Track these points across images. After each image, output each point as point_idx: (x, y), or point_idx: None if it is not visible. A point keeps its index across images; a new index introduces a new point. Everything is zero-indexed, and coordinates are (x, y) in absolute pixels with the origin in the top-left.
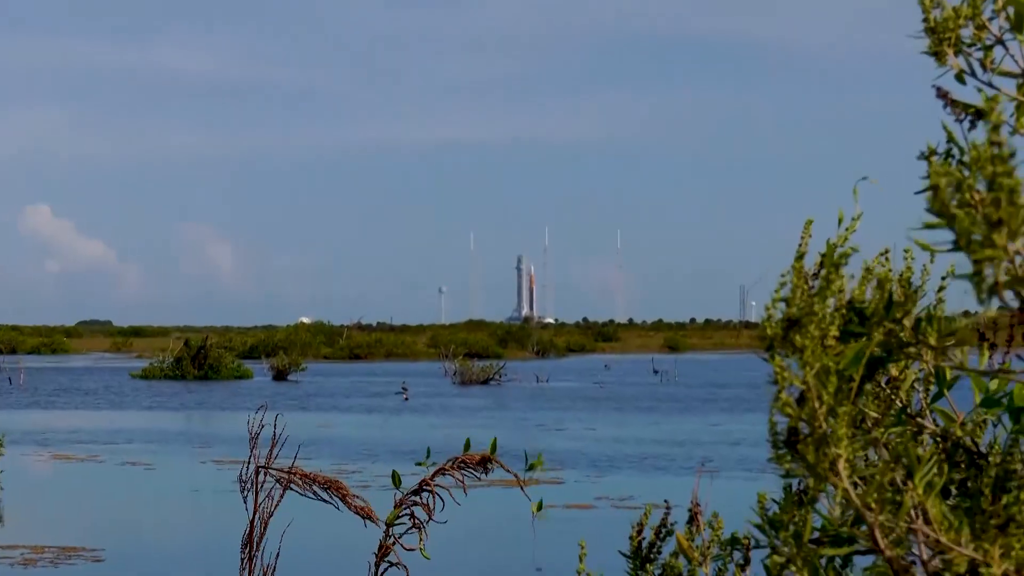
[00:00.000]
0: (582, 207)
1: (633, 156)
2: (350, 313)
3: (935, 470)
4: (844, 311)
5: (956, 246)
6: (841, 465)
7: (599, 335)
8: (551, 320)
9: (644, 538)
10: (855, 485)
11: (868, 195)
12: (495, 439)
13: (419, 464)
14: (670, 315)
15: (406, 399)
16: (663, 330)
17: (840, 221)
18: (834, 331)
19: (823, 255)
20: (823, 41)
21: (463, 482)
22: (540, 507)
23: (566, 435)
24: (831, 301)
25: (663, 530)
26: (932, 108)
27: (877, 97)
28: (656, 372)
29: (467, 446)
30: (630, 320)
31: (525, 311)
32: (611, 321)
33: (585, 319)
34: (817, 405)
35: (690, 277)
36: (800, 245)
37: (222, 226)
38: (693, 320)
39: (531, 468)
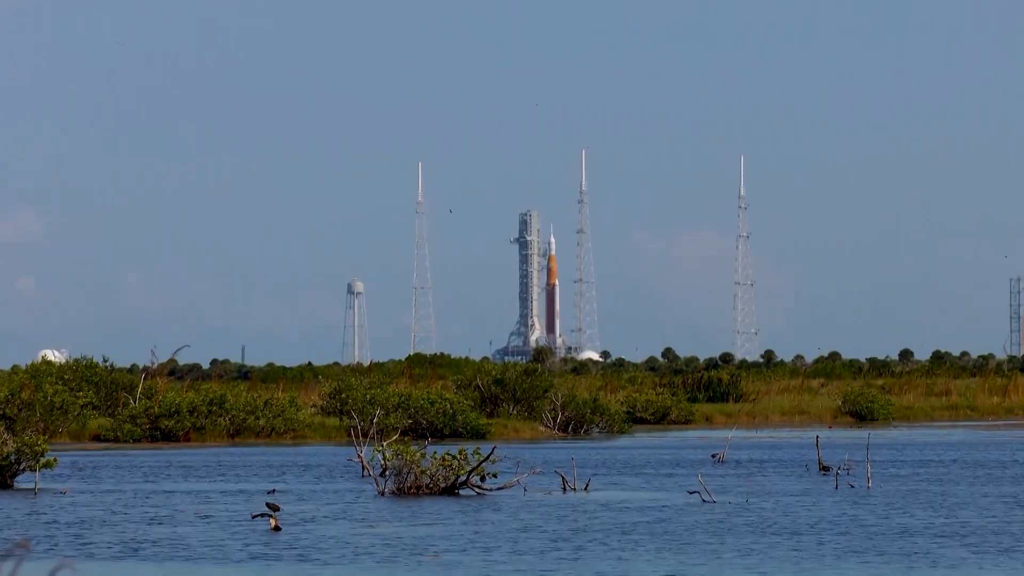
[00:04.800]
0: (656, 114)
1: (762, 8)
2: (153, 340)
3: None
4: None
5: None
6: None
7: (700, 388)
8: (594, 355)
9: None
10: None
11: None
12: None
13: None
14: (853, 347)
15: (275, 529)
16: (839, 376)
17: None
18: None
19: None
20: None
21: None
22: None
23: None
24: None
25: None
26: None
27: None
28: (826, 469)
29: None
30: (767, 356)
31: (537, 335)
32: (727, 358)
33: (669, 351)
34: None
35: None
36: None
37: None
38: (906, 355)
39: None
